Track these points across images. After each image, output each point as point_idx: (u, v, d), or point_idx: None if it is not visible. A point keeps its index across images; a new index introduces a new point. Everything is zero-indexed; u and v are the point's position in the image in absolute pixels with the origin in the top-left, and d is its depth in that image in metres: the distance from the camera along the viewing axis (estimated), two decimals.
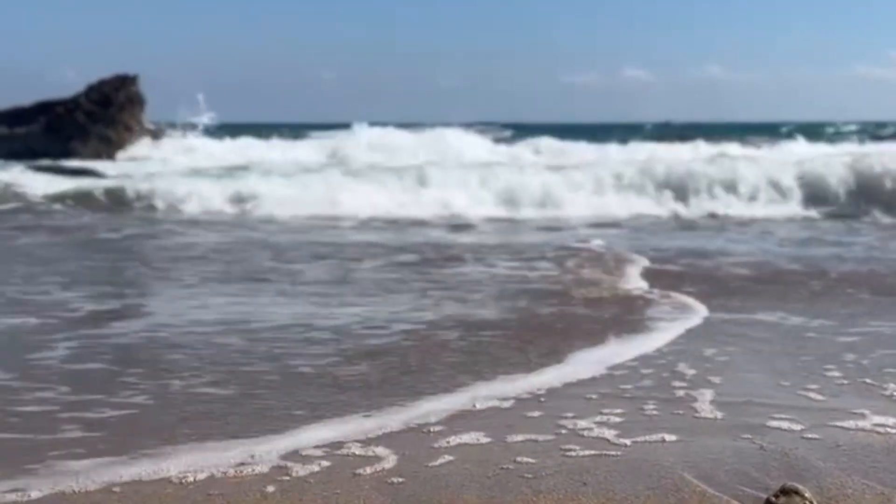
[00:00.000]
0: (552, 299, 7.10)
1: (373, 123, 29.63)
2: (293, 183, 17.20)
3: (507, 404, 4.26)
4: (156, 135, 32.75)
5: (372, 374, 4.83)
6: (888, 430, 3.87)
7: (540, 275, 8.46)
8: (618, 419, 4.02)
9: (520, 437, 3.75)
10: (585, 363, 5.05)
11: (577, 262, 9.34)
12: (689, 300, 6.97)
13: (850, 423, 3.95)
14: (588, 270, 8.78)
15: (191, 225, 13.38)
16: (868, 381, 4.68)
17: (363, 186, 16.38)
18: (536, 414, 4.10)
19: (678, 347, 5.46)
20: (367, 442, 3.70)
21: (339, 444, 3.66)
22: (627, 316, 6.45)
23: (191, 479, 3.30)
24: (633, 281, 8.05)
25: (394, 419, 4.01)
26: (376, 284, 7.89)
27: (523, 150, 30.35)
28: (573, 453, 3.57)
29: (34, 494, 3.15)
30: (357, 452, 3.58)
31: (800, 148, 28.66)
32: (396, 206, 15.21)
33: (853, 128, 52.28)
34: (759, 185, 15.98)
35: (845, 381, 4.68)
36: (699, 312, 6.51)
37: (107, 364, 5.06)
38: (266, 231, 12.52)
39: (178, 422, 4.00)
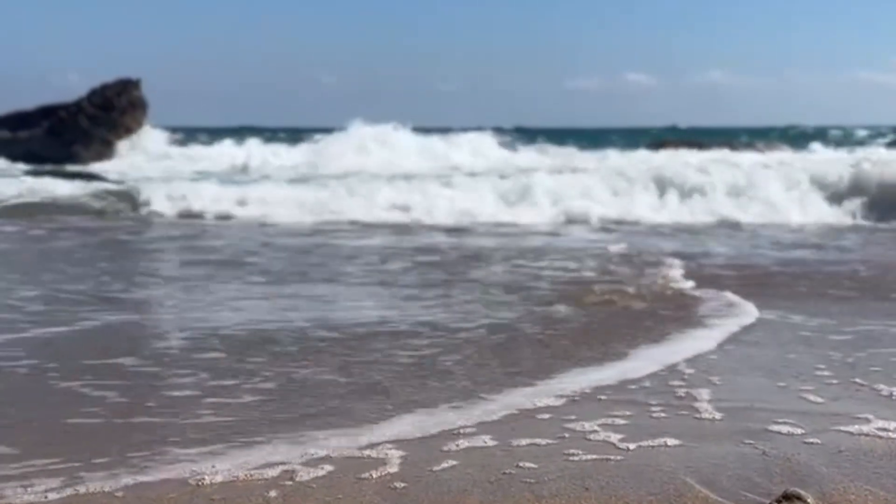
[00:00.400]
0: (606, 297, 7.21)
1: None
2: (293, 187, 17.21)
3: (560, 402, 4.35)
4: (157, 138, 32.83)
5: (461, 368, 5.01)
6: (891, 434, 3.87)
7: (575, 275, 8.52)
8: (623, 422, 4.03)
9: (524, 441, 3.76)
10: (649, 360, 5.19)
11: (609, 262, 9.39)
12: (738, 299, 7.05)
13: (853, 428, 3.95)
14: (627, 270, 8.82)
15: (201, 228, 13.42)
16: (870, 384, 4.67)
17: (364, 190, 16.39)
18: (545, 417, 4.12)
19: (734, 346, 5.57)
20: (387, 445, 3.72)
21: (367, 447, 3.69)
22: (684, 313, 6.58)
23: (207, 481, 3.31)
24: (679, 280, 8.16)
25: (469, 414, 4.14)
26: (423, 284, 7.94)
27: (529, 153, 30.41)
28: (576, 457, 3.57)
29: (53, 496, 3.16)
30: (371, 455, 3.59)
31: (817, 155, 28.40)
32: (398, 210, 15.20)
33: (864, 133, 52.08)
34: (773, 189, 15.86)
35: (839, 383, 4.68)
36: (750, 312, 6.60)
37: (227, 354, 5.30)
38: (275, 234, 12.55)
39: (266, 421, 4.07)
